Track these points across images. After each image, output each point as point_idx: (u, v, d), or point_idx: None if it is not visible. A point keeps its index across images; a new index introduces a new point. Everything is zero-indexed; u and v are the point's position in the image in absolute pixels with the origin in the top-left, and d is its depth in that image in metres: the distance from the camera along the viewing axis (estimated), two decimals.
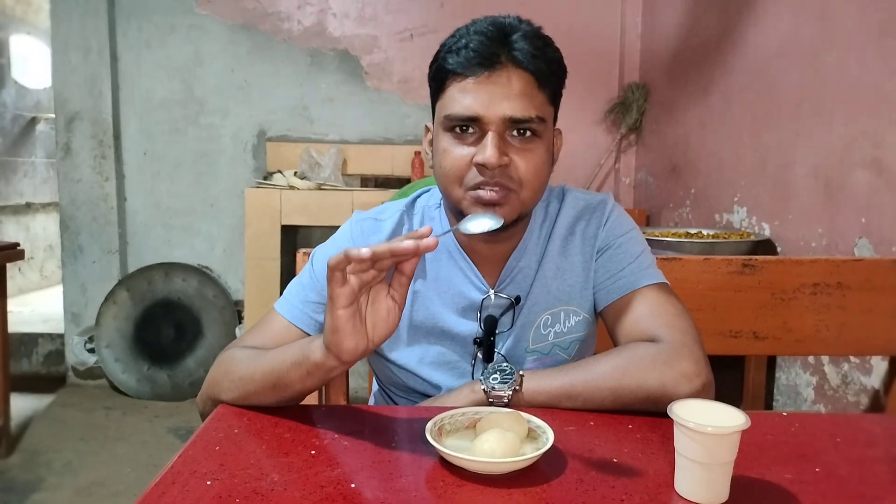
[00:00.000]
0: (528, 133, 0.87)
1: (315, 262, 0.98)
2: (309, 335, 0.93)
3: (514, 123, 0.85)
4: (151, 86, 3.33)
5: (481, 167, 0.85)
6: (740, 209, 2.29)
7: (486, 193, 0.86)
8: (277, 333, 0.93)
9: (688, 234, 2.17)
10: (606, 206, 1.01)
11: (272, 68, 3.34)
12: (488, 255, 0.97)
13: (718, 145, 2.49)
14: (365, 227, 0.99)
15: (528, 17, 0.92)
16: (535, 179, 0.88)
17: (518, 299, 0.97)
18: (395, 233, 0.99)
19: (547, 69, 0.87)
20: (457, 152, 0.87)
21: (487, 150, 0.84)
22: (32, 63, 4.60)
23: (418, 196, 1.04)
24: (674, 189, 2.92)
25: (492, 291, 0.97)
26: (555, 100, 0.91)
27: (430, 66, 0.92)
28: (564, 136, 1.00)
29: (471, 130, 0.87)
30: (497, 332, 0.97)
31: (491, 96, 0.84)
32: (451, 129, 0.88)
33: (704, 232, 2.20)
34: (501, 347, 0.98)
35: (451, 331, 0.97)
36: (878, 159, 1.59)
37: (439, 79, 0.89)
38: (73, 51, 3.20)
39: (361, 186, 3.33)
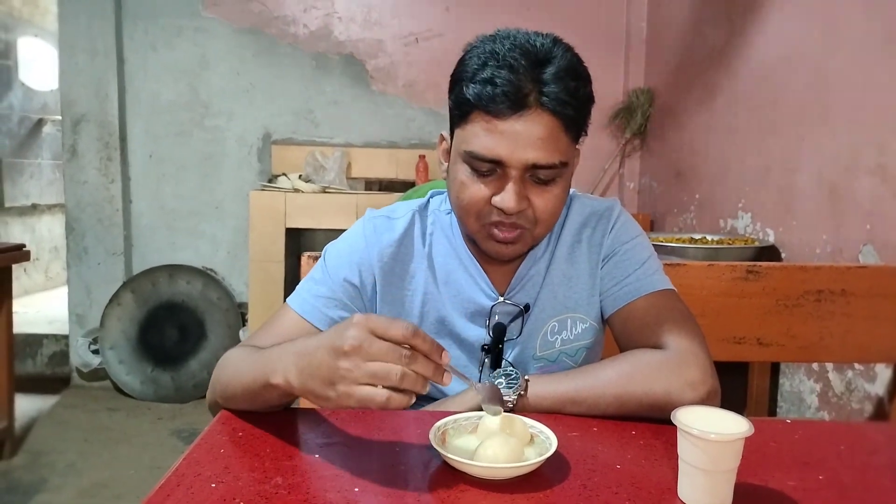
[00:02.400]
0: (549, 176, 0.85)
1: (328, 259, 0.98)
2: (321, 331, 0.92)
3: (536, 168, 0.84)
4: (157, 88, 3.34)
5: (500, 210, 0.85)
6: (745, 215, 2.29)
7: (500, 233, 0.87)
8: (288, 329, 0.93)
9: (692, 240, 2.17)
10: (613, 212, 1.00)
11: (277, 72, 3.35)
12: (499, 262, 0.96)
13: (723, 151, 2.49)
14: (378, 225, 0.99)
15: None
16: (550, 219, 0.89)
17: (527, 307, 0.97)
18: (408, 232, 0.99)
19: (576, 115, 0.83)
20: (475, 189, 0.86)
21: (509, 198, 0.83)
22: (39, 65, 4.62)
23: (431, 197, 1.03)
24: (678, 194, 2.91)
25: (501, 298, 0.97)
26: (580, 136, 0.88)
27: (452, 85, 0.87)
28: None
29: (491, 170, 0.85)
30: (505, 339, 0.97)
31: (516, 141, 0.81)
32: (470, 164, 0.86)
33: (709, 237, 2.19)
34: (509, 355, 0.97)
35: (459, 335, 0.97)
36: (883, 166, 1.59)
37: (462, 107, 0.85)
38: (80, 53, 3.22)
39: (366, 190, 3.34)
